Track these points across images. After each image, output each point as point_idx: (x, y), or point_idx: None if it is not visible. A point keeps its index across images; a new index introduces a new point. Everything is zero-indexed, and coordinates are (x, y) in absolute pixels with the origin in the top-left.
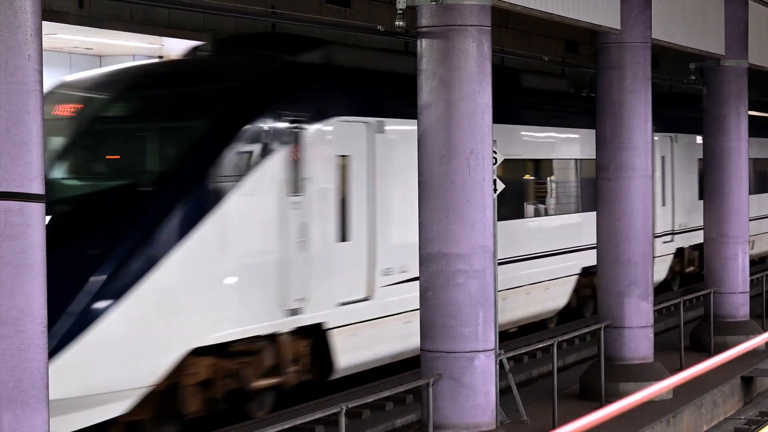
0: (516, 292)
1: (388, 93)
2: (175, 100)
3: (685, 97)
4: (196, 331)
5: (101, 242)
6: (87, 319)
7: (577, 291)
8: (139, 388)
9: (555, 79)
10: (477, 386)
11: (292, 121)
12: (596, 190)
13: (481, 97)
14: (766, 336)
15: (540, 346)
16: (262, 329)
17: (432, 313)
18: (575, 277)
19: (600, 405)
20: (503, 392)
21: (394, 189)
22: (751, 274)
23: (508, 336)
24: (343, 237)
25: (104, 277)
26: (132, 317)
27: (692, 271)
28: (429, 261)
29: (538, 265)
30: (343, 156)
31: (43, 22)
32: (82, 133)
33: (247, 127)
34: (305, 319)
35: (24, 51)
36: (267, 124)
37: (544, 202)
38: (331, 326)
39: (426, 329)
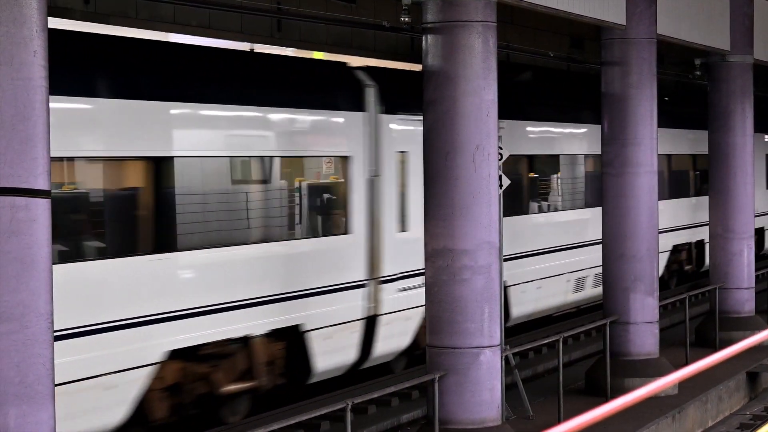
0: None
1: None
2: None
3: None
4: None
5: None
6: None
7: None
8: None
9: None
10: (482, 382)
11: None
12: (601, 185)
13: (487, 93)
14: None
15: (545, 341)
16: None
17: (438, 308)
18: None
19: (605, 400)
20: (509, 388)
21: None
22: (756, 270)
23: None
24: None
25: None
26: None
27: None
28: (434, 257)
29: None
30: None
31: (48, 18)
32: None
33: None
34: None
35: (29, 47)
36: None
37: None
38: None
39: (432, 325)
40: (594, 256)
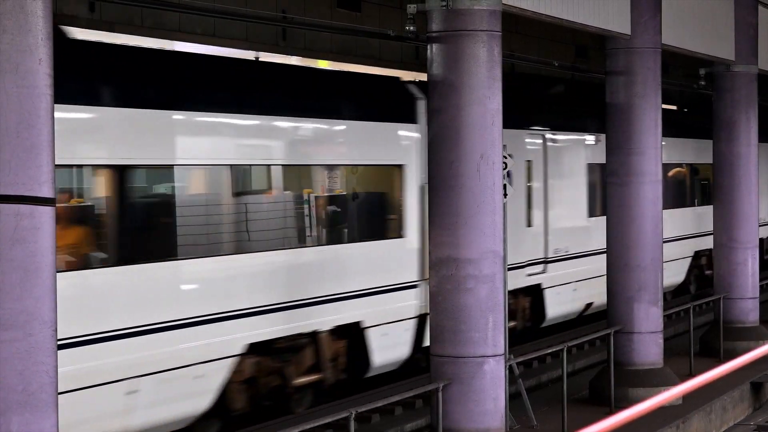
0: None
1: None
2: None
3: None
4: None
5: None
6: None
7: None
8: None
9: None
10: (486, 391)
11: None
12: (605, 194)
13: (491, 102)
14: None
15: (550, 351)
16: None
17: (442, 317)
18: None
19: (609, 410)
20: (513, 397)
21: None
22: (761, 280)
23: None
24: None
25: None
26: None
27: None
28: (439, 266)
29: None
30: None
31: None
32: None
33: None
34: None
35: (35, 55)
36: None
37: None
38: None
39: (436, 334)
40: None
